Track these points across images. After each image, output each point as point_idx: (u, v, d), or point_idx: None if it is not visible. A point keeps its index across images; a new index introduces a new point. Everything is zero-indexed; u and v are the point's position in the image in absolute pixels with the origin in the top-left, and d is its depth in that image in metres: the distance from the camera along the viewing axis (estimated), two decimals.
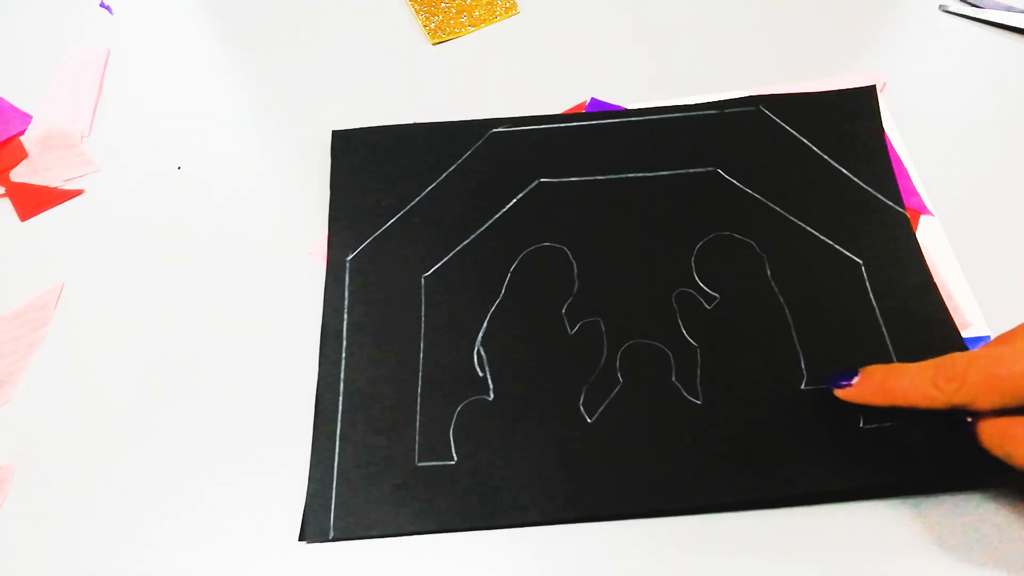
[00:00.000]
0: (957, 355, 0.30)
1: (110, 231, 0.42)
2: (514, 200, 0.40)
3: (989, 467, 0.32)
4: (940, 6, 0.48)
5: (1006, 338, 0.30)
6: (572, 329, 0.36)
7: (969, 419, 0.30)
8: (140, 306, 0.39)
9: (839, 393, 0.33)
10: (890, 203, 0.39)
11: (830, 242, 0.38)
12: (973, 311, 0.36)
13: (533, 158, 0.42)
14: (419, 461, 0.34)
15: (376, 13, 0.50)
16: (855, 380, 0.33)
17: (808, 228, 0.38)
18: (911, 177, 0.40)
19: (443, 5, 0.50)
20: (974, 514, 0.32)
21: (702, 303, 0.37)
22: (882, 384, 0.32)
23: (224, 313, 0.39)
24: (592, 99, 0.45)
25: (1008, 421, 0.29)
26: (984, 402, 0.29)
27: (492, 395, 0.35)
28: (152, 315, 0.39)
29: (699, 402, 0.34)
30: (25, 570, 0.32)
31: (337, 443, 0.34)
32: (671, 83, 0.45)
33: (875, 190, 0.39)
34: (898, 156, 0.41)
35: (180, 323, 0.38)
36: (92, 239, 0.42)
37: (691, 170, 0.41)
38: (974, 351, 0.30)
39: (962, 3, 0.48)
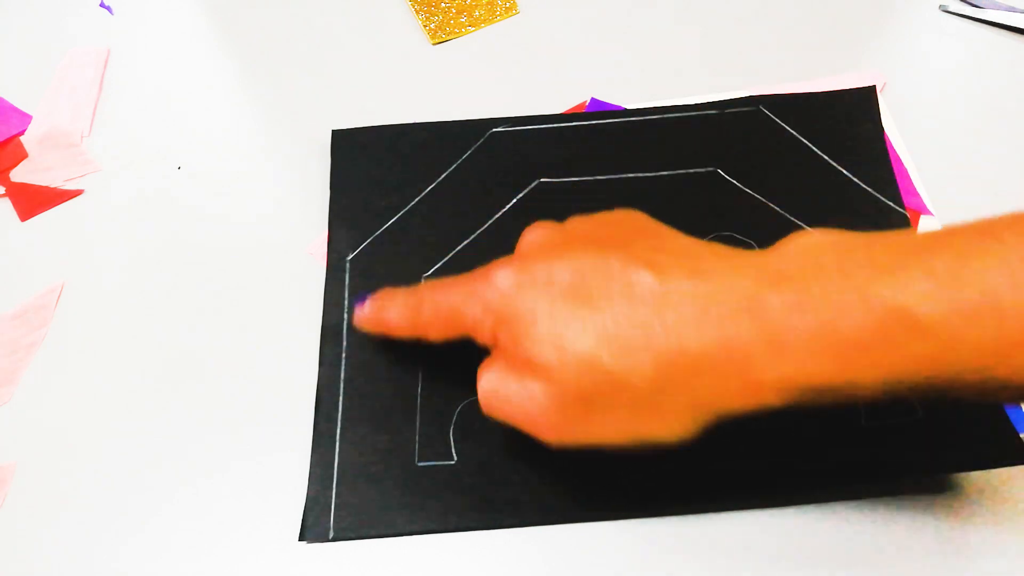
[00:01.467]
0: (425, 283, 0.31)
1: (110, 231, 0.42)
2: (514, 200, 0.40)
3: (987, 465, 0.32)
4: (940, 6, 0.48)
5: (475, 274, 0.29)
6: None
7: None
8: (140, 306, 0.39)
9: (354, 320, 0.33)
10: (890, 203, 0.39)
11: None
12: None
13: (533, 158, 0.42)
14: (419, 461, 0.34)
15: (376, 13, 0.50)
16: (368, 300, 0.33)
17: (808, 228, 0.38)
18: (911, 177, 0.40)
19: (443, 5, 0.50)
20: (974, 513, 0.32)
21: None
22: (378, 312, 0.32)
23: (224, 313, 0.39)
24: (592, 99, 0.45)
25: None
26: (433, 333, 0.30)
27: None
28: (152, 315, 0.39)
29: None
30: (25, 570, 0.32)
31: (337, 443, 0.34)
32: (671, 83, 0.45)
33: (875, 190, 0.39)
34: (898, 156, 0.41)
35: (180, 323, 0.38)
36: (92, 239, 0.42)
37: (691, 170, 0.41)
38: (438, 280, 0.30)
39: (962, 3, 0.48)
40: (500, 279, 0.27)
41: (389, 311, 0.32)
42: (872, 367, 0.22)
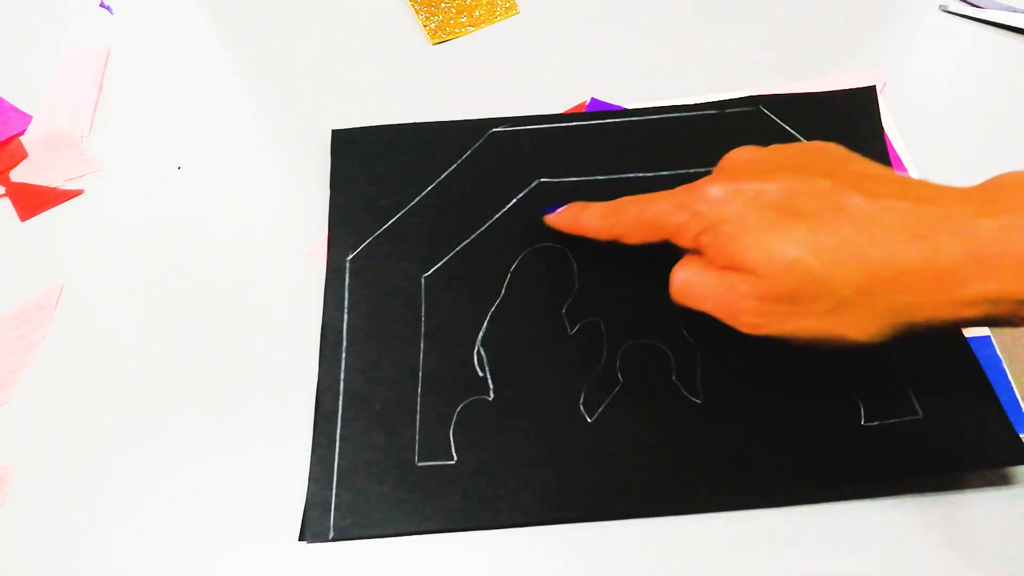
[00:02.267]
0: (625, 197, 0.34)
1: (110, 231, 0.42)
2: (514, 200, 0.40)
3: (987, 465, 0.32)
4: (940, 6, 0.48)
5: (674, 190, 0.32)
6: (572, 329, 0.36)
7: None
8: (140, 306, 0.39)
9: (546, 219, 0.38)
10: None
11: None
12: None
13: (533, 158, 0.42)
14: (419, 461, 0.34)
15: (376, 13, 0.50)
16: (561, 208, 0.37)
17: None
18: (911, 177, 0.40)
19: (443, 5, 0.50)
20: (974, 513, 0.32)
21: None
22: (575, 214, 0.36)
23: (224, 313, 0.39)
24: (592, 99, 0.45)
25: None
26: (631, 237, 0.33)
27: (492, 395, 0.35)
28: (152, 315, 0.39)
29: (699, 402, 0.34)
30: (25, 570, 0.32)
31: (337, 443, 0.34)
32: (671, 83, 0.45)
33: None
34: (898, 156, 0.41)
35: (180, 323, 0.38)
36: (92, 239, 0.42)
37: (691, 170, 0.41)
38: (637, 196, 0.33)
39: (962, 3, 0.48)
40: (711, 190, 0.30)
41: (586, 216, 0.35)
42: None
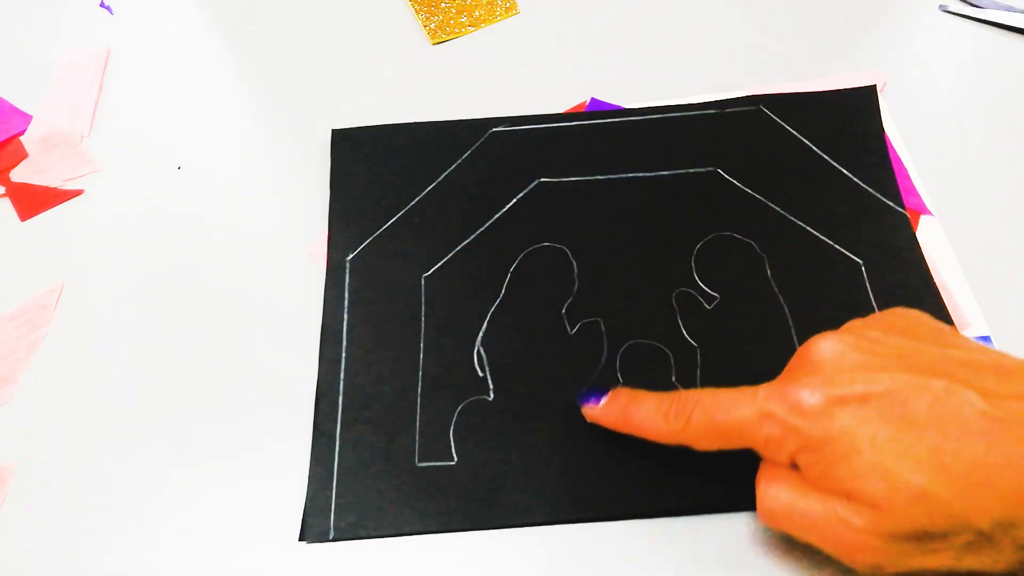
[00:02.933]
0: (689, 392, 0.29)
1: (110, 231, 0.42)
2: (514, 200, 0.40)
3: None
4: (940, 6, 0.48)
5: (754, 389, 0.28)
6: (572, 329, 0.36)
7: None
8: (140, 306, 0.39)
9: (585, 412, 0.33)
10: (890, 203, 0.39)
11: (830, 242, 0.38)
12: (973, 311, 0.36)
13: (533, 158, 0.42)
14: (419, 461, 0.34)
15: (376, 13, 0.50)
16: (603, 401, 0.32)
17: (808, 228, 0.38)
18: (911, 177, 0.40)
19: (443, 5, 0.50)
20: None
21: (702, 303, 0.37)
22: (624, 410, 0.31)
23: (224, 313, 0.39)
24: (592, 99, 0.45)
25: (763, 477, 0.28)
26: (702, 444, 0.29)
27: (492, 395, 0.35)
28: (152, 315, 0.39)
29: None
30: (25, 570, 0.32)
31: (337, 443, 0.34)
32: (671, 83, 0.45)
33: (875, 190, 0.39)
34: (898, 156, 0.41)
35: (180, 323, 0.38)
36: (92, 239, 0.42)
37: (691, 170, 0.41)
38: (704, 391, 0.29)
39: (962, 3, 0.48)
40: (805, 399, 0.25)
41: (638, 412, 0.30)
42: None
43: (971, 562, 0.24)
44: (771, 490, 0.27)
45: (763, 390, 0.27)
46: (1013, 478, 0.23)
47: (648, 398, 0.30)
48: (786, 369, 0.28)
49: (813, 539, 0.26)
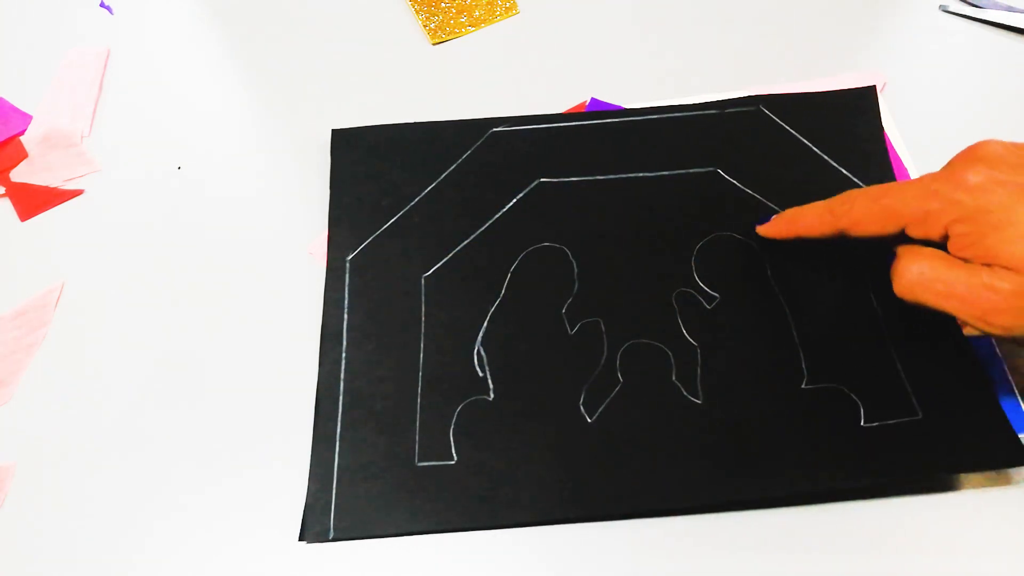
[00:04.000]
0: (852, 191, 0.33)
1: (110, 231, 0.42)
2: (514, 200, 0.40)
3: (987, 466, 0.32)
4: (940, 6, 0.48)
5: (914, 180, 0.31)
6: (572, 329, 0.36)
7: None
8: (140, 306, 0.39)
9: (759, 228, 0.37)
10: None
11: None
12: None
13: (533, 158, 0.42)
14: (419, 461, 0.34)
15: (376, 13, 0.50)
16: (773, 217, 0.37)
17: None
18: (911, 177, 0.40)
19: (443, 5, 0.50)
20: (975, 513, 0.32)
21: (702, 303, 0.37)
22: (792, 217, 0.36)
23: (224, 313, 0.39)
24: (592, 99, 0.45)
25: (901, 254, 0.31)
26: (862, 227, 0.32)
27: (492, 395, 0.35)
28: (152, 315, 0.39)
29: (699, 402, 0.34)
30: (25, 570, 0.32)
31: (337, 443, 0.34)
32: (671, 83, 0.45)
33: None
34: (898, 156, 0.41)
35: (180, 323, 0.38)
36: (92, 239, 0.42)
37: (691, 170, 0.41)
38: (870, 187, 0.32)
39: (962, 3, 0.48)
40: (971, 178, 0.29)
41: (804, 216, 0.35)
42: None
43: None
44: (914, 265, 0.30)
45: (927, 176, 0.31)
46: None
47: (814, 204, 0.34)
48: (948, 164, 0.31)
49: (952, 305, 0.29)
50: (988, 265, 0.28)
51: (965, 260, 0.29)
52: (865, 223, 0.32)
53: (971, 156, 0.30)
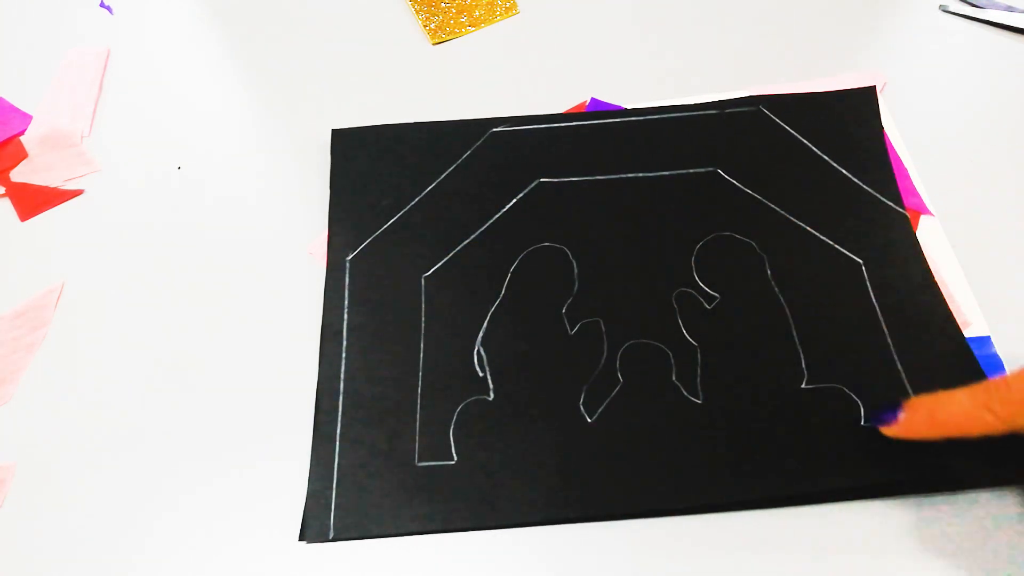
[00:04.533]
0: (1011, 377, 0.29)
1: (110, 231, 0.42)
2: (514, 200, 0.40)
3: (987, 466, 0.32)
4: (940, 6, 0.48)
5: None
6: (572, 329, 0.36)
7: None
8: (140, 306, 0.39)
9: (886, 430, 0.32)
10: (890, 203, 0.39)
11: (830, 242, 0.38)
12: (973, 311, 0.36)
13: (533, 158, 0.42)
14: (419, 461, 0.34)
15: (376, 13, 0.50)
16: (900, 415, 0.32)
17: (808, 228, 0.38)
18: (911, 177, 0.40)
19: (443, 5, 0.50)
20: (974, 513, 0.32)
21: (702, 303, 0.37)
22: (931, 415, 0.31)
23: (224, 313, 0.39)
24: (592, 99, 0.45)
25: None
26: None
27: (492, 395, 0.35)
28: (152, 315, 0.39)
29: (699, 402, 0.34)
30: (25, 570, 0.32)
31: (337, 443, 0.34)
32: (671, 83, 0.45)
33: (875, 190, 0.39)
34: (898, 156, 0.41)
35: (180, 323, 0.38)
36: (92, 239, 0.42)
37: (691, 170, 0.41)
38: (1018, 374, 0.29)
39: (962, 3, 0.48)
40: None
41: (953, 411, 0.30)
42: None
43: None
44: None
45: None
46: None
47: (956, 396, 0.30)
48: None
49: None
50: None
51: None
52: None
53: None
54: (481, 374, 0.35)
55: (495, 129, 0.43)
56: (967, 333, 0.35)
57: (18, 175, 0.44)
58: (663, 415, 0.34)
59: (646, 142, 0.42)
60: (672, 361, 0.35)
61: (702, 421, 0.34)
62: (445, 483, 0.33)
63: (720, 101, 0.43)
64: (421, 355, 0.36)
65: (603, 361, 0.35)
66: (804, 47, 0.46)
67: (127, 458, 0.35)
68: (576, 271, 0.38)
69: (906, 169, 0.41)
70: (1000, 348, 0.35)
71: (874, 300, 0.36)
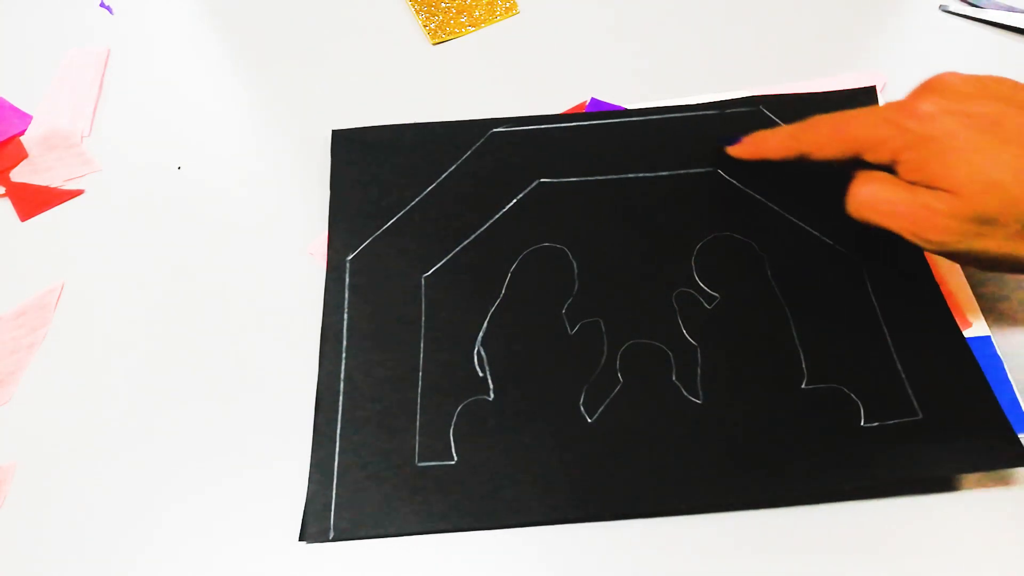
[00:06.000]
0: (818, 116, 0.35)
1: (110, 231, 0.42)
2: (514, 200, 0.40)
3: (987, 466, 0.32)
4: (940, 6, 0.48)
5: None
6: (572, 329, 0.36)
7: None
8: (140, 306, 0.39)
9: (729, 149, 0.39)
10: None
11: (830, 242, 0.38)
12: (973, 311, 0.36)
13: (533, 158, 0.42)
14: (419, 461, 0.34)
15: (376, 13, 0.50)
16: (743, 138, 0.38)
17: (808, 228, 0.38)
18: None
19: (443, 5, 0.50)
20: (974, 513, 0.32)
21: (702, 303, 0.37)
22: (759, 140, 0.38)
23: (224, 313, 0.39)
24: (592, 99, 0.45)
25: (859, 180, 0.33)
26: (823, 150, 0.34)
27: (492, 395, 0.35)
28: (152, 315, 0.39)
29: (699, 402, 0.34)
30: (25, 570, 0.32)
31: (337, 443, 0.34)
32: (671, 83, 0.45)
33: None
34: None
35: (180, 323, 0.38)
36: (92, 239, 0.42)
37: (691, 170, 0.41)
38: (835, 113, 0.34)
39: (962, 3, 0.48)
40: (923, 107, 0.31)
41: (771, 138, 0.37)
42: None
43: (1015, 246, 0.30)
44: (865, 187, 0.32)
45: (886, 104, 0.33)
46: None
47: (782, 128, 0.37)
48: (909, 94, 0.33)
49: (894, 223, 0.31)
50: (930, 188, 0.30)
51: (913, 184, 0.31)
52: (826, 147, 0.34)
53: (928, 87, 0.32)
54: (481, 374, 0.35)
55: (495, 129, 0.43)
56: (967, 333, 0.35)
57: (18, 175, 0.44)
58: (663, 415, 0.34)
59: (646, 142, 0.42)
60: (672, 361, 0.35)
61: (702, 421, 0.34)
62: (445, 483, 0.33)
63: (720, 101, 0.43)
64: (421, 355, 0.36)
65: (603, 361, 0.35)
66: (804, 47, 0.46)
67: (127, 458, 0.35)
68: (576, 271, 0.38)
69: None
70: (1000, 348, 0.35)
71: (874, 300, 0.36)
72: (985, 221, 0.29)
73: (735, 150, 0.39)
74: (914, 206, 0.31)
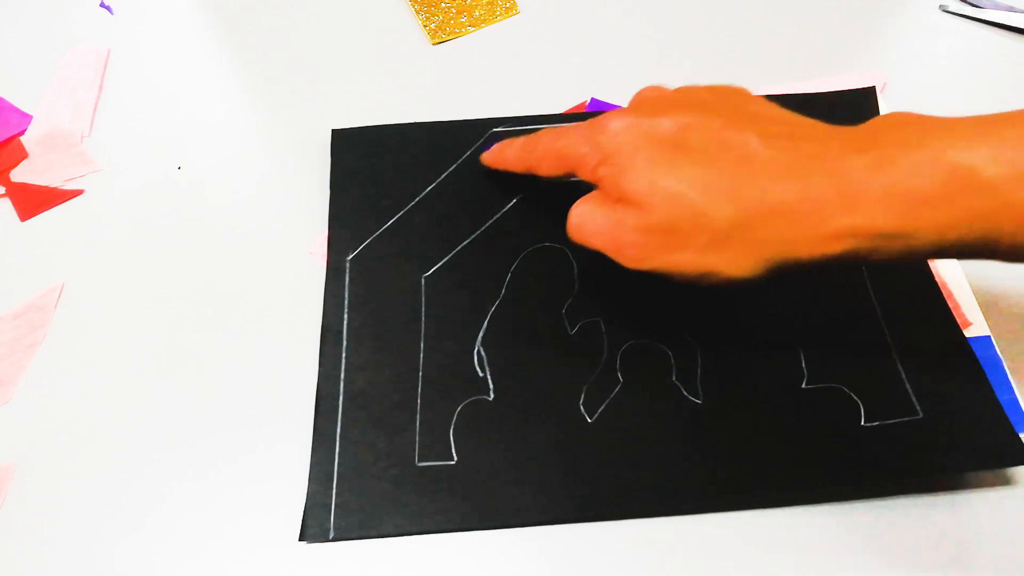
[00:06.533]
0: (545, 129, 0.36)
1: (110, 231, 0.42)
2: (514, 200, 0.40)
3: (987, 465, 0.32)
4: (940, 6, 0.48)
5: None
6: (572, 329, 0.36)
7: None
8: (140, 306, 0.39)
9: (481, 157, 0.40)
10: None
11: None
12: (973, 311, 0.36)
13: None
14: (419, 461, 0.34)
15: (376, 13, 0.50)
16: (491, 147, 0.39)
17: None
18: None
19: (443, 5, 0.50)
20: (975, 513, 0.32)
21: (702, 303, 0.37)
22: (499, 150, 0.38)
23: (224, 313, 0.39)
24: (592, 99, 0.45)
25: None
26: (543, 168, 0.35)
27: (492, 395, 0.35)
28: (152, 315, 0.39)
29: (699, 401, 0.34)
30: (25, 570, 0.32)
31: (337, 443, 0.34)
32: (671, 83, 0.45)
33: None
34: None
35: (180, 323, 0.38)
36: (92, 239, 0.42)
37: None
38: (553, 128, 0.35)
39: (962, 3, 0.48)
40: (612, 123, 0.31)
41: (508, 151, 0.37)
42: (932, 220, 0.25)
43: (711, 260, 0.28)
44: (576, 209, 0.32)
45: (588, 121, 0.33)
46: (751, 189, 0.27)
47: (517, 139, 0.37)
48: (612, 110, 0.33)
49: (598, 243, 0.31)
50: (624, 204, 0.30)
51: (616, 201, 0.30)
52: (544, 164, 0.34)
53: (630, 103, 0.33)
54: (481, 374, 0.35)
55: (495, 129, 0.43)
56: (967, 333, 0.36)
57: (18, 175, 0.44)
58: (663, 415, 0.34)
59: None
60: (672, 361, 0.35)
61: (702, 421, 0.34)
62: (445, 483, 0.33)
63: None
64: (421, 355, 0.36)
65: (603, 361, 0.35)
66: (804, 47, 0.46)
67: (127, 458, 0.35)
68: (576, 271, 0.38)
69: None
70: (1000, 348, 0.35)
71: (874, 300, 0.36)
72: (671, 233, 0.28)
73: (483, 157, 0.39)
74: (609, 223, 0.30)
